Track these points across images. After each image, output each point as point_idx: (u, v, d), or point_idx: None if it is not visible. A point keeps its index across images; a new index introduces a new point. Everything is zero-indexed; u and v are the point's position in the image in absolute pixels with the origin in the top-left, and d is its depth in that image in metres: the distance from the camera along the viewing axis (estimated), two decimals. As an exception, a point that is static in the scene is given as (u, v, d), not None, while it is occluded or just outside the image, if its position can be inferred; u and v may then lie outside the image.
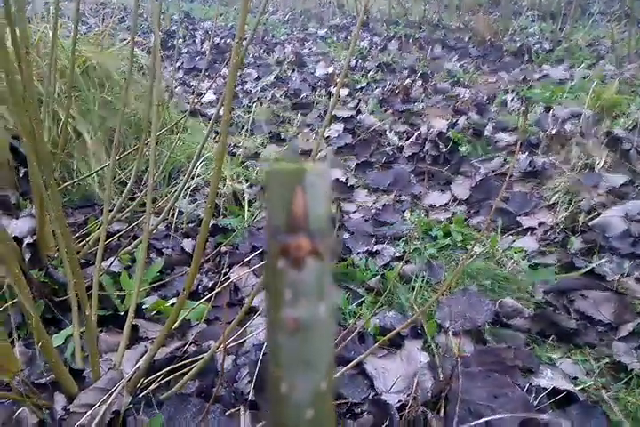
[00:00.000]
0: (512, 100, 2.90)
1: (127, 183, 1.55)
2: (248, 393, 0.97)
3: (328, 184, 0.20)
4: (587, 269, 1.36)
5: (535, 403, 0.99)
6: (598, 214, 1.63)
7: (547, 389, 1.02)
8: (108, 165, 1.34)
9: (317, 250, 0.19)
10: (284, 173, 0.19)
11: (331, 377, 0.20)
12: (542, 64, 3.83)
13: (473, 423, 0.85)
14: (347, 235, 1.66)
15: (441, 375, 1.01)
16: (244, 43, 1.20)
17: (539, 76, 3.45)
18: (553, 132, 2.21)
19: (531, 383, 1.04)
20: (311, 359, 0.19)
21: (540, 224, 1.67)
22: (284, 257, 0.19)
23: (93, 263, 1.25)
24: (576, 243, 1.55)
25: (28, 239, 1.31)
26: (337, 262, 1.44)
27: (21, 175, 1.64)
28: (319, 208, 0.19)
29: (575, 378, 1.09)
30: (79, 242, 1.47)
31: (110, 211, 1.49)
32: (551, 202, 1.78)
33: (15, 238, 1.29)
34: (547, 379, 1.06)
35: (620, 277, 1.35)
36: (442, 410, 0.93)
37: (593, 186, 1.77)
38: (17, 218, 1.44)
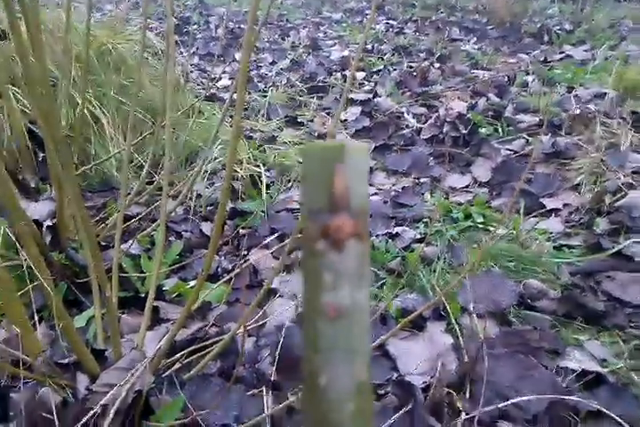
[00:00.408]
0: (533, 81, 2.84)
1: (144, 167, 1.55)
2: (270, 374, 0.96)
3: (367, 162, 0.19)
4: (614, 251, 1.33)
5: (563, 385, 0.97)
6: (624, 195, 1.59)
7: (575, 371, 0.99)
8: (125, 149, 1.33)
9: (359, 231, 0.18)
10: (322, 150, 0.18)
11: (369, 367, 0.18)
12: (563, 45, 3.74)
13: (500, 405, 0.83)
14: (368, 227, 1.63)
15: (465, 357, 0.99)
16: (258, 25, 1.18)
17: (560, 57, 3.38)
18: (576, 112, 2.16)
19: (558, 365, 1.02)
20: (353, 348, 0.18)
21: (565, 205, 1.64)
22: (324, 238, 0.18)
23: (113, 246, 1.25)
24: (602, 224, 1.51)
25: (48, 222, 1.31)
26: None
27: (40, 159, 1.64)
28: (360, 187, 0.18)
29: (604, 360, 1.06)
30: (98, 225, 1.47)
31: (128, 194, 1.49)
32: (575, 183, 1.74)
33: (35, 222, 1.29)
34: (574, 361, 1.03)
35: (648, 259, 1.31)
36: (467, 392, 0.91)
37: (619, 166, 1.72)
38: (36, 201, 1.44)
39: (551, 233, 1.49)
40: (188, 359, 1.00)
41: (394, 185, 1.91)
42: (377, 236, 1.51)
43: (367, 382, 0.18)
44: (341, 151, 0.18)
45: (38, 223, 1.29)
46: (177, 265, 1.36)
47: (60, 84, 1.65)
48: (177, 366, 0.97)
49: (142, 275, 1.28)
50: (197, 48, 3.96)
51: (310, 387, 0.18)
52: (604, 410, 0.91)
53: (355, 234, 0.18)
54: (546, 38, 3.94)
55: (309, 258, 0.18)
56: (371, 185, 1.92)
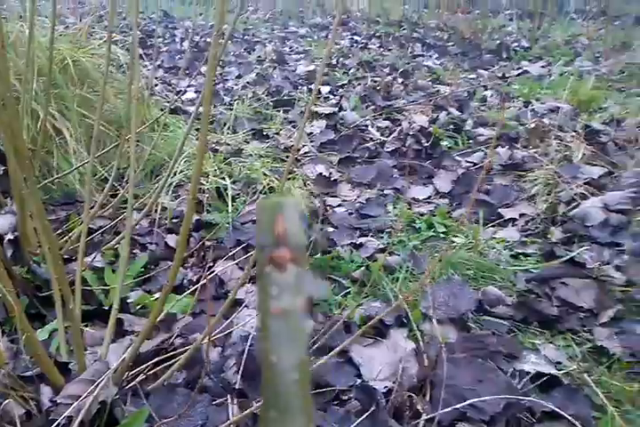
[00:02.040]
0: (491, 95, 2.94)
1: (108, 180, 1.54)
2: (235, 383, 0.97)
3: (300, 211, 0.27)
4: (567, 258, 1.39)
5: (519, 387, 1.00)
6: (577, 205, 1.66)
7: (530, 373, 1.03)
8: (88, 161, 1.33)
9: (296, 258, 0.26)
10: (269, 204, 0.26)
11: (307, 350, 0.26)
12: (521, 61, 3.89)
13: (457, 406, 0.86)
14: (331, 228, 1.66)
15: (426, 362, 1.02)
16: (224, 38, 1.20)
17: (517, 72, 3.51)
18: (532, 126, 2.25)
19: (514, 368, 1.06)
20: (293, 335, 0.25)
21: (521, 215, 1.70)
22: (271, 264, 0.25)
23: (76, 259, 1.24)
24: (556, 233, 1.57)
25: (10, 236, 1.30)
26: (322, 255, 1.45)
27: (1, 173, 1.62)
28: (295, 229, 0.26)
29: (558, 363, 1.11)
30: (61, 238, 1.46)
31: (92, 207, 1.48)
32: (531, 193, 1.81)
33: (-4, 235, 1.28)
34: (530, 364, 1.07)
35: (599, 265, 1.38)
36: (427, 395, 0.94)
37: (572, 177, 1.80)
38: (-3, 215, 1.42)
39: (508, 242, 1.54)
40: (153, 371, 1.00)
41: (358, 197, 1.95)
42: (342, 246, 1.54)
43: (305, 358, 0.25)
44: (282, 206, 0.26)
45: (-1, 237, 1.28)
46: (142, 277, 1.36)
47: (22, 98, 1.63)
48: (141, 377, 0.97)
49: (106, 288, 1.28)
50: (162, 61, 3.97)
51: (266, 363, 0.25)
52: (559, 410, 0.95)
53: (292, 260, 0.26)
54: (504, 55, 4.08)
55: (261, 277, 0.26)
56: (336, 197, 1.96)
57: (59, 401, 0.80)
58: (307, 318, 0.26)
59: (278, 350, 0.25)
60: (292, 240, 0.26)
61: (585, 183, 1.79)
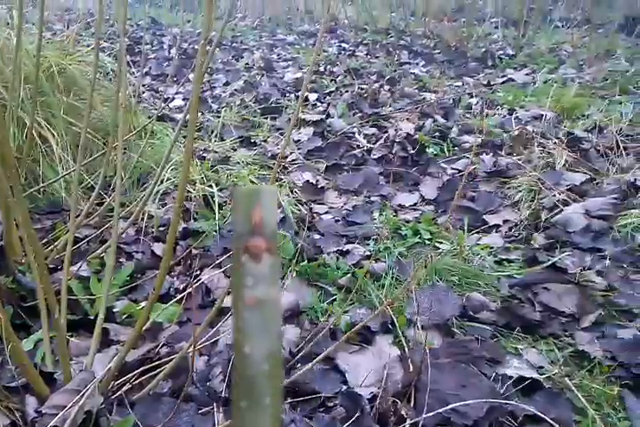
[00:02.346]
0: (476, 103, 2.97)
1: (95, 188, 1.55)
2: (221, 391, 0.98)
3: (276, 200, 0.27)
4: (549, 263, 1.41)
5: (502, 391, 1.02)
6: (560, 211, 1.69)
7: (512, 377, 1.05)
8: (75, 169, 1.34)
9: (271, 248, 0.25)
10: (246, 192, 0.26)
11: (279, 341, 0.26)
12: (505, 69, 3.93)
13: (440, 410, 0.87)
14: (317, 236, 1.67)
15: (410, 367, 1.03)
16: (212, 44, 1.22)
17: (502, 80, 3.55)
18: (516, 133, 2.28)
19: (497, 373, 1.07)
20: (267, 327, 0.26)
21: (505, 221, 1.72)
22: (247, 253, 0.25)
23: (62, 268, 1.24)
24: (539, 239, 1.59)
25: (-5, 245, 1.30)
26: (308, 262, 1.46)
27: (-14, 182, 1.61)
28: (270, 218, 0.26)
29: (540, 367, 1.12)
30: (47, 247, 1.45)
31: (78, 216, 1.48)
32: (515, 200, 1.83)
33: (-19, 245, 1.28)
34: (513, 368, 1.09)
35: (581, 271, 1.40)
36: (411, 400, 0.95)
37: (555, 184, 1.82)
38: (-18, 224, 1.42)
39: (492, 248, 1.56)
40: (138, 380, 1.00)
41: (345, 204, 1.96)
42: (328, 253, 1.55)
43: (277, 350, 0.26)
44: (259, 194, 0.25)
45: (-16, 246, 1.27)
46: (128, 286, 1.36)
47: (8, 105, 1.63)
48: (127, 386, 0.97)
49: (92, 297, 1.28)
50: (150, 68, 3.97)
51: (238, 354, 0.26)
52: (540, 414, 0.96)
53: (267, 250, 0.25)
54: (490, 62, 4.13)
55: (236, 266, 0.26)
56: (323, 204, 1.97)
57: (44, 411, 0.80)
58: (280, 310, 0.26)
59: (251, 340, 0.25)
60: (268, 229, 0.25)
61: (567, 190, 1.82)
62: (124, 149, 1.86)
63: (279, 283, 0.26)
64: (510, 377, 1.05)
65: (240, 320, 0.25)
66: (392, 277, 1.41)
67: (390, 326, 1.21)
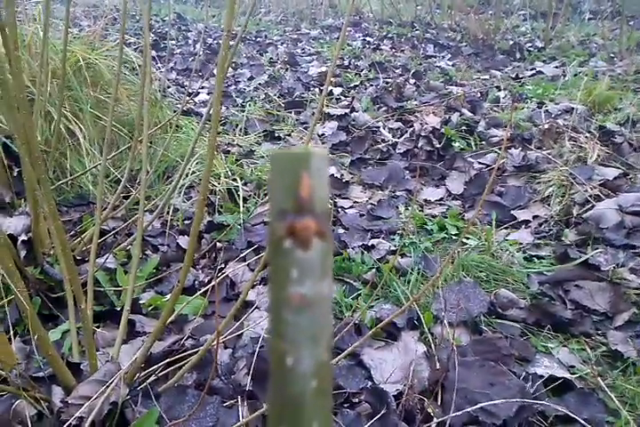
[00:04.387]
0: (504, 96, 2.92)
1: (121, 181, 1.55)
2: (246, 385, 0.97)
3: (328, 168, 0.21)
4: (581, 260, 1.37)
5: (532, 391, 0.99)
6: (592, 207, 1.64)
7: (543, 377, 1.02)
8: (101, 163, 1.34)
9: (322, 231, 0.20)
10: (289, 157, 0.20)
11: (329, 351, 0.21)
12: (534, 61, 3.85)
13: (469, 409, 0.85)
14: (342, 230, 1.66)
15: (437, 365, 1.01)
16: (236, 38, 1.21)
17: (531, 73, 3.47)
18: (546, 127, 2.22)
19: (527, 372, 1.04)
20: (316, 334, 0.20)
21: (535, 217, 1.68)
22: (292, 237, 0.19)
23: (89, 260, 1.25)
24: (570, 235, 1.55)
25: (23, 237, 1.31)
26: (333, 257, 1.44)
27: (15, 174, 1.63)
28: (322, 191, 0.20)
29: (572, 367, 1.10)
30: (74, 240, 1.47)
31: (104, 209, 1.49)
32: (545, 195, 1.79)
33: (10, 236, 1.29)
34: (543, 367, 1.06)
35: (614, 268, 1.36)
36: (438, 398, 0.94)
37: (586, 179, 1.78)
38: (11, 216, 1.43)
39: (521, 244, 1.53)
40: (164, 372, 1.00)
41: (370, 198, 1.94)
42: (353, 248, 1.53)
43: (327, 362, 0.20)
44: (307, 158, 0.19)
45: (13, 238, 1.29)
46: (153, 279, 1.36)
47: (36, 100, 1.65)
48: (152, 378, 0.97)
49: (118, 289, 1.28)
50: (175, 63, 3.99)
51: (277, 367, 0.20)
52: (572, 414, 0.94)
53: (318, 233, 0.20)
54: (518, 55, 4.05)
55: (277, 255, 0.20)
56: (347, 198, 1.95)
57: (70, 402, 0.80)
58: (331, 311, 0.20)
59: (297, 350, 0.20)
60: (319, 206, 0.20)
61: (599, 185, 1.76)
62: (150, 142, 1.87)
63: (331, 276, 0.20)
64: (541, 376, 1.02)
65: (282, 324, 0.20)
66: (418, 273, 1.39)
67: (416, 323, 1.19)
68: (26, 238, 1.31)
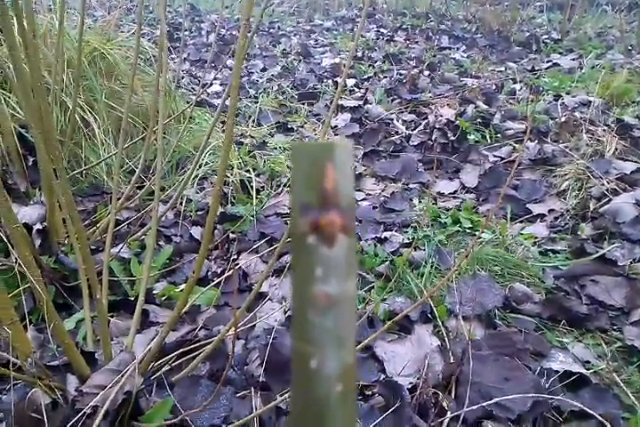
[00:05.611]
0: (520, 89, 2.88)
1: (135, 172, 1.56)
2: (259, 376, 0.97)
3: (352, 160, 0.19)
4: (597, 255, 1.35)
5: (547, 385, 0.98)
6: (609, 201, 1.62)
7: (558, 372, 1.01)
8: (116, 153, 1.34)
9: (348, 226, 0.19)
10: (312, 149, 0.19)
11: (354, 353, 0.20)
12: (550, 54, 3.80)
13: (484, 404, 0.84)
14: (355, 223, 1.65)
15: (451, 358, 1.01)
16: (250, 32, 1.19)
17: (547, 65, 3.43)
18: (562, 119, 2.19)
19: (542, 367, 1.04)
20: (341, 335, 0.19)
21: (550, 211, 1.66)
22: (316, 233, 0.19)
23: (103, 250, 1.26)
24: (586, 229, 1.54)
25: (38, 226, 1.32)
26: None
27: (30, 164, 1.64)
28: (347, 184, 0.19)
29: (587, 362, 1.08)
30: (89, 229, 1.47)
31: (119, 199, 1.50)
32: (561, 189, 1.77)
33: (25, 225, 1.30)
34: (558, 362, 1.05)
35: (631, 263, 1.34)
36: (452, 392, 0.93)
37: (603, 172, 1.75)
38: (26, 205, 1.44)
39: (536, 238, 1.51)
40: (177, 362, 1.01)
41: (383, 191, 1.93)
42: (366, 240, 1.52)
43: (353, 364, 0.20)
44: (332, 150, 0.18)
45: (28, 227, 1.30)
46: (167, 269, 1.36)
47: (51, 89, 1.65)
48: (166, 368, 0.98)
49: (132, 278, 1.29)
50: (189, 54, 3.98)
51: (301, 370, 0.19)
52: (587, 410, 0.93)
53: (343, 229, 0.19)
54: (534, 47, 4.00)
55: (300, 252, 0.19)
56: (360, 190, 1.94)
57: (84, 391, 0.81)
58: (356, 311, 0.21)
59: (321, 352, 0.19)
60: (345, 200, 0.19)
61: (617, 179, 1.74)
62: (164, 133, 1.87)
63: (356, 274, 0.20)
64: (556, 371, 1.01)
65: (305, 325, 0.19)
66: (432, 266, 1.38)
67: (429, 316, 1.19)
68: (41, 228, 1.31)
